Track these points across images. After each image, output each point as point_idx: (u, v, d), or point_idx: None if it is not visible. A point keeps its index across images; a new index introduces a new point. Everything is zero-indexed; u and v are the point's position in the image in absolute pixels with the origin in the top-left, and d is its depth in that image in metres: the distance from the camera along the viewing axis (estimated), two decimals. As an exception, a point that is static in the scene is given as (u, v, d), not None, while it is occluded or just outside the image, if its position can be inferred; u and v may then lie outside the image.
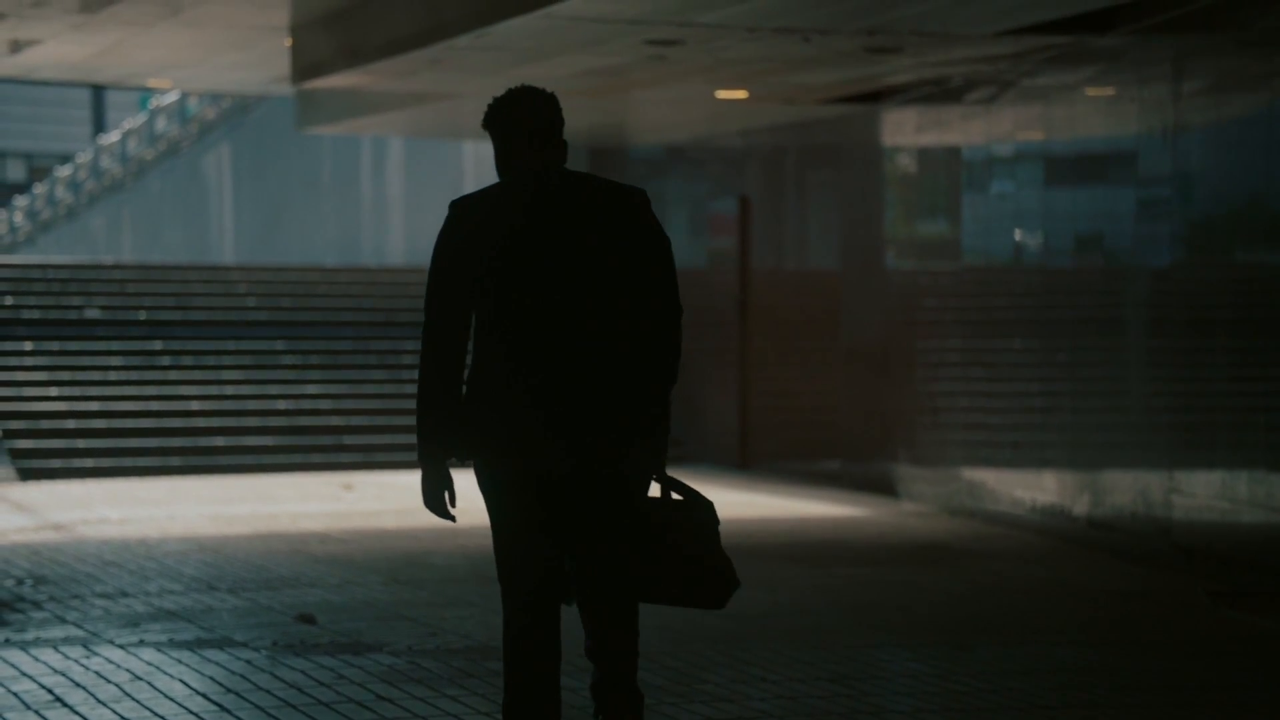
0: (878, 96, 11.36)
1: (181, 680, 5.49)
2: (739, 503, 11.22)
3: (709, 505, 4.15)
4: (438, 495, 4.02)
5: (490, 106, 4.11)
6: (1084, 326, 9.27)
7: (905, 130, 11.43)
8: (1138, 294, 8.73)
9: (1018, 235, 9.96)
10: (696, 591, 4.15)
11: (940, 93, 10.82)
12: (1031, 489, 9.67)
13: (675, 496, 4.13)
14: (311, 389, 14.26)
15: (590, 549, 4.06)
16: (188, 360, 14.42)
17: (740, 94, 11.23)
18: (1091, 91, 9.30)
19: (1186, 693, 5.59)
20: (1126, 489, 8.71)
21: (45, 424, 13.15)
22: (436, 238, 4.08)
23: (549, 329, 3.97)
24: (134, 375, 14.02)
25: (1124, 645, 6.35)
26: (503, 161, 4.10)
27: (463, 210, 4.05)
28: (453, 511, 4.05)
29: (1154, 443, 8.57)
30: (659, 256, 4.07)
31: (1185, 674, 5.89)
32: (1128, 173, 8.82)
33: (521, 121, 4.08)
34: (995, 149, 10.27)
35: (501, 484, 4.03)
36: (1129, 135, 8.78)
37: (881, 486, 11.47)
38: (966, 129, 10.63)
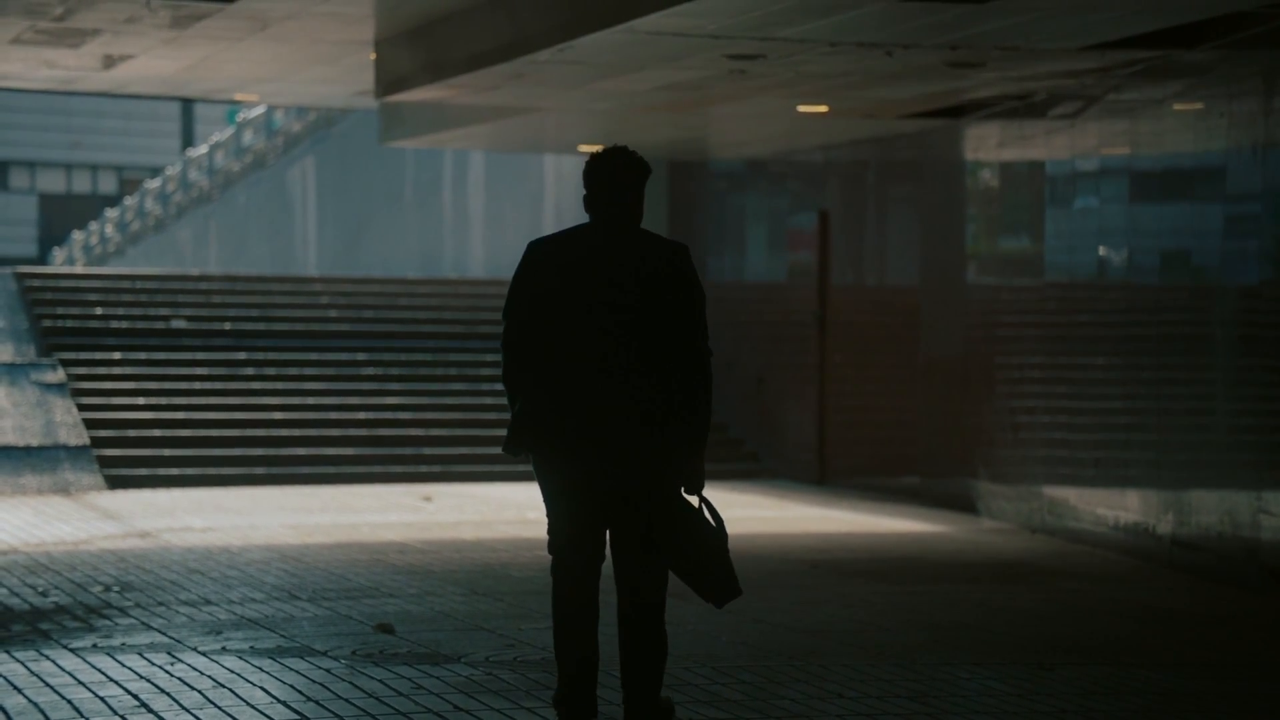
0: (960, 111, 11.29)
1: (263, 688, 5.54)
2: (817, 518, 11.17)
3: (721, 531, 4.94)
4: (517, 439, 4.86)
5: (589, 158, 4.90)
6: (1170, 344, 9.15)
7: (987, 145, 11.35)
8: (1225, 312, 8.60)
9: (1102, 251, 9.85)
10: (699, 587, 4.91)
11: (1023, 107, 10.73)
12: (1114, 507, 9.55)
13: (707, 515, 4.89)
14: (392, 400, 14.38)
15: (627, 542, 4.86)
16: (270, 370, 14.59)
17: (821, 108, 11.20)
18: (1179, 106, 9.19)
19: (1273, 718, 5.49)
20: (1212, 509, 8.58)
21: (132, 433, 13.35)
22: (515, 273, 4.91)
23: (596, 365, 4.80)
24: (218, 385, 14.20)
25: (1208, 668, 6.25)
26: (586, 205, 4.93)
27: (540, 256, 4.88)
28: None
29: (1241, 462, 8.44)
30: (689, 301, 4.83)
31: (1273, 699, 5.79)
32: (1216, 188, 8.70)
33: (602, 178, 4.87)
34: (1079, 164, 10.17)
35: (555, 483, 4.87)
36: (1217, 150, 8.66)
37: (961, 503, 11.37)
38: (1050, 144, 10.54)
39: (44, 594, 7.59)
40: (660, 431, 4.80)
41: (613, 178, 4.84)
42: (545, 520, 4.95)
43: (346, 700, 5.36)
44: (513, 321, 4.85)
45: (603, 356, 4.79)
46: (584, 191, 4.91)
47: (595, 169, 4.86)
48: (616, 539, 4.91)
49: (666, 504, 4.83)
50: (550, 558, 4.97)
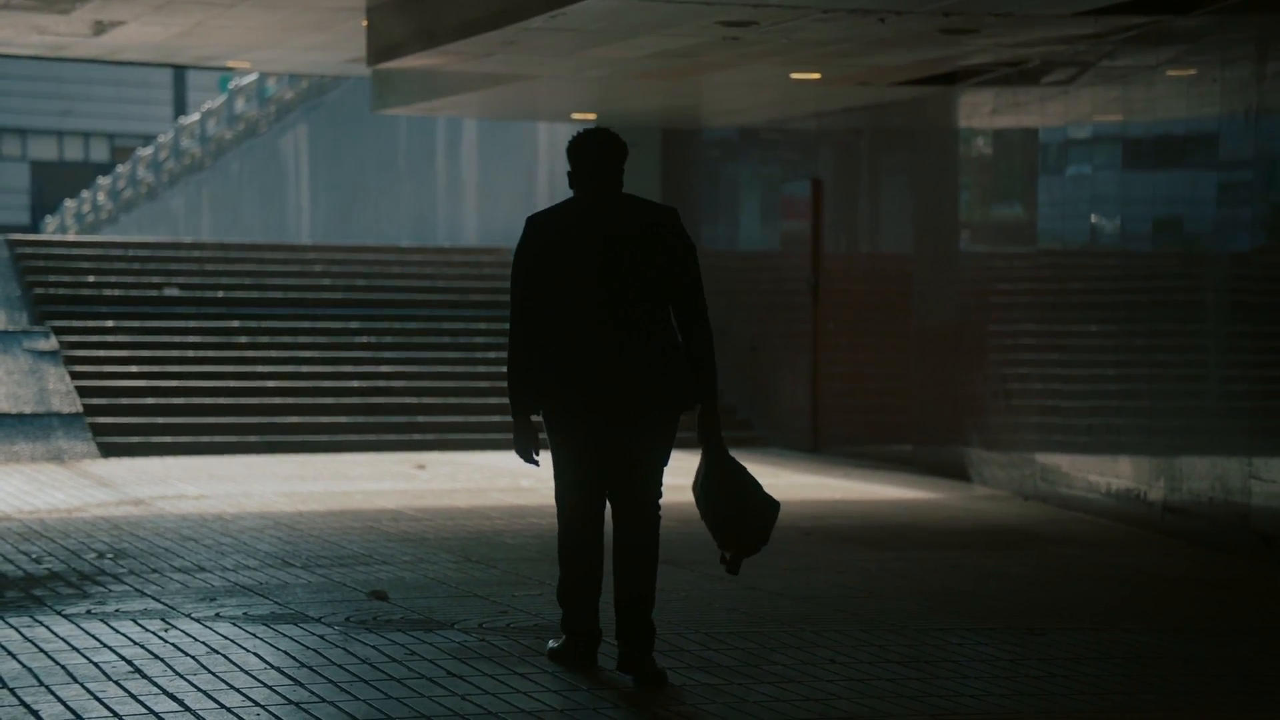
0: (953, 78, 11.27)
1: (256, 654, 5.57)
2: (810, 485, 11.20)
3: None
4: (524, 445, 5.21)
5: (572, 139, 5.26)
6: (1162, 311, 9.16)
7: (981, 112, 11.33)
8: (1217, 278, 8.61)
9: (1094, 219, 9.85)
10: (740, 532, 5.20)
11: (1017, 74, 10.71)
12: (1106, 474, 9.58)
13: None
14: (385, 368, 14.38)
15: (625, 483, 5.19)
16: (264, 339, 14.58)
17: (814, 76, 11.17)
18: (1172, 72, 9.18)
19: (1263, 681, 5.53)
20: (1204, 475, 8.61)
21: (126, 400, 13.35)
22: (517, 247, 5.27)
23: (603, 320, 5.12)
24: (212, 353, 14.20)
25: (1200, 632, 6.28)
26: (573, 181, 5.27)
27: (538, 229, 5.23)
28: (536, 459, 5.24)
29: (1233, 428, 8.46)
30: (687, 263, 5.19)
31: (1262, 662, 5.82)
32: (1209, 155, 8.69)
33: (589, 156, 5.22)
34: (1072, 131, 10.16)
35: (563, 433, 5.19)
36: (1210, 117, 8.65)
37: (954, 470, 11.40)
38: (1043, 111, 10.52)
39: (38, 560, 7.60)
40: (662, 393, 5.13)
41: (599, 154, 5.19)
42: (539, 489, 5.27)
43: (340, 666, 5.38)
44: (518, 297, 5.19)
45: (606, 321, 5.12)
46: (569, 169, 5.25)
47: (581, 147, 5.23)
48: (616, 497, 5.20)
49: (717, 456, 5.14)
50: (558, 507, 5.31)
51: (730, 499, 5.11)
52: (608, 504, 5.24)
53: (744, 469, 5.17)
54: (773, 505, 5.17)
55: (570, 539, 5.26)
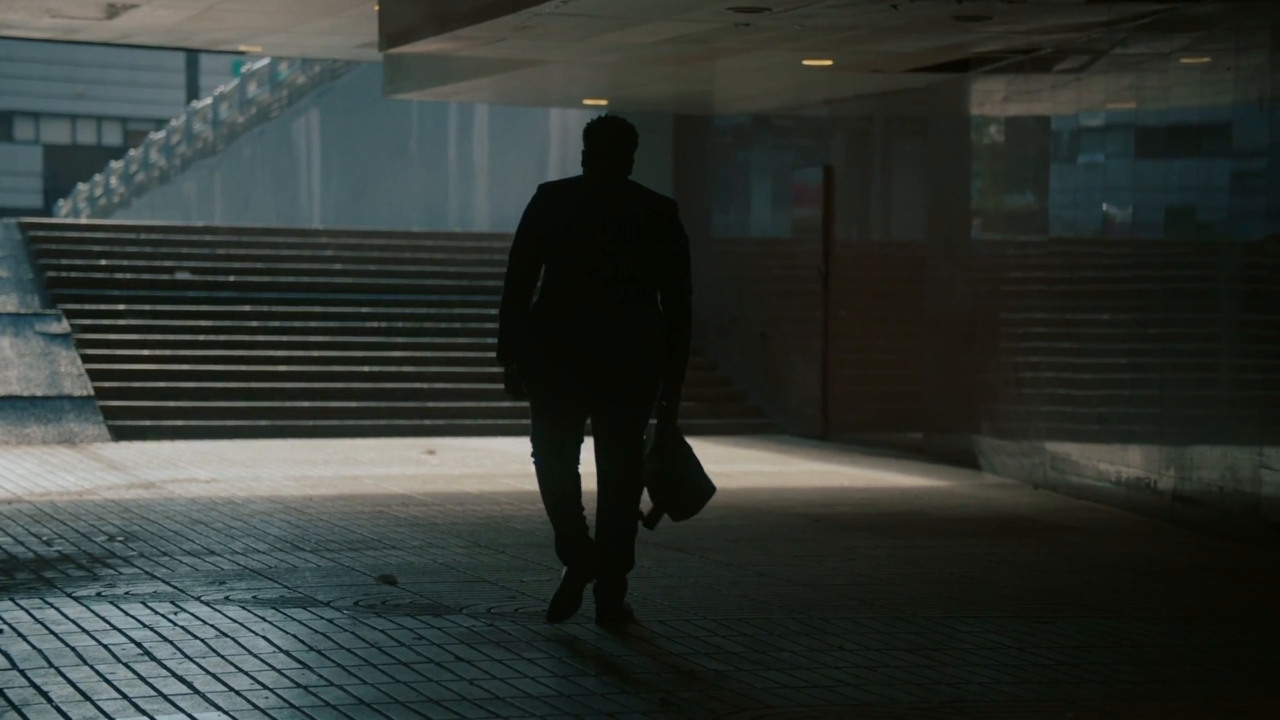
0: (965, 65, 11.24)
1: (265, 637, 5.58)
2: (820, 473, 11.20)
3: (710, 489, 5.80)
4: (515, 385, 5.66)
5: (590, 123, 5.67)
6: (1175, 300, 9.14)
7: (993, 100, 11.30)
8: (1230, 267, 8.59)
9: (1107, 207, 9.82)
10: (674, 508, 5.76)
11: (1030, 61, 10.68)
12: (1117, 463, 9.56)
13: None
14: (396, 353, 14.39)
15: (605, 444, 5.61)
16: (275, 323, 14.60)
17: (826, 62, 11.15)
18: (1186, 60, 9.14)
19: (1272, 669, 5.52)
20: (1214, 464, 8.59)
21: (137, 384, 13.38)
22: (525, 208, 5.65)
23: (604, 294, 5.54)
24: (223, 337, 14.22)
25: (1209, 621, 6.28)
26: (585, 162, 5.69)
27: (549, 197, 5.65)
28: (525, 395, 5.65)
29: (1244, 417, 8.44)
30: (679, 250, 5.64)
31: (1272, 651, 5.81)
32: (1222, 144, 8.66)
33: (603, 140, 5.65)
34: (1085, 119, 10.12)
35: (546, 393, 5.61)
36: (1224, 105, 8.61)
37: (964, 458, 11.39)
38: (1056, 99, 10.49)
39: (49, 543, 7.63)
40: (645, 367, 5.54)
41: (612, 140, 5.61)
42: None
43: (348, 650, 5.40)
44: (520, 253, 5.58)
45: (607, 294, 5.52)
46: (583, 149, 5.66)
47: (597, 132, 5.64)
48: (601, 466, 5.63)
49: (660, 434, 5.64)
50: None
51: (673, 473, 5.63)
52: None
53: (691, 452, 5.66)
54: (709, 488, 5.68)
55: (551, 490, 5.64)
